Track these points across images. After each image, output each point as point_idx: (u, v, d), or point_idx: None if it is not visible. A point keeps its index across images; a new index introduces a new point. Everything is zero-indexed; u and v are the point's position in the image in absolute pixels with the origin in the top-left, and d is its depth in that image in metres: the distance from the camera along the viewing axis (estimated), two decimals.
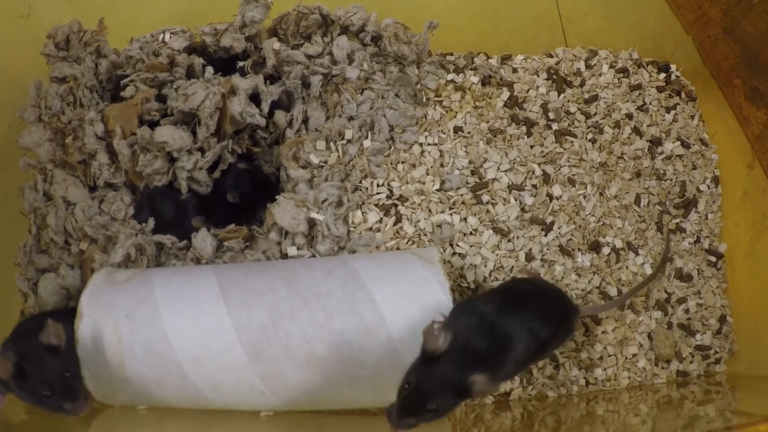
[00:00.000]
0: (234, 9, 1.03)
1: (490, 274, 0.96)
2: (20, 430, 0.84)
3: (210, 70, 1.00)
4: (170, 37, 1.04)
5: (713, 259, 1.05)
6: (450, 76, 1.09)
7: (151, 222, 0.94)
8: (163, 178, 0.97)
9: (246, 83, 0.97)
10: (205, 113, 0.93)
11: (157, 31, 1.05)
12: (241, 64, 1.02)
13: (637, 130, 1.09)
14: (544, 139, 1.05)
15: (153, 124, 0.97)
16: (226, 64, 1.04)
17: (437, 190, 0.99)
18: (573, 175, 1.04)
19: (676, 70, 1.17)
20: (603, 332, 0.97)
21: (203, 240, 0.92)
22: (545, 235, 0.99)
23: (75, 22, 1.01)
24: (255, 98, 0.99)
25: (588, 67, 1.14)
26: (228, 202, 0.97)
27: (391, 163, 1.00)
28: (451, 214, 0.98)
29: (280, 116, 1.00)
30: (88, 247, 0.92)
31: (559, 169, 1.04)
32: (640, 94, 1.13)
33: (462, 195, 0.99)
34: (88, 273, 0.89)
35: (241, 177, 0.99)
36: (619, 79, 1.14)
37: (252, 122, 0.97)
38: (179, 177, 0.96)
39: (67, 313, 0.82)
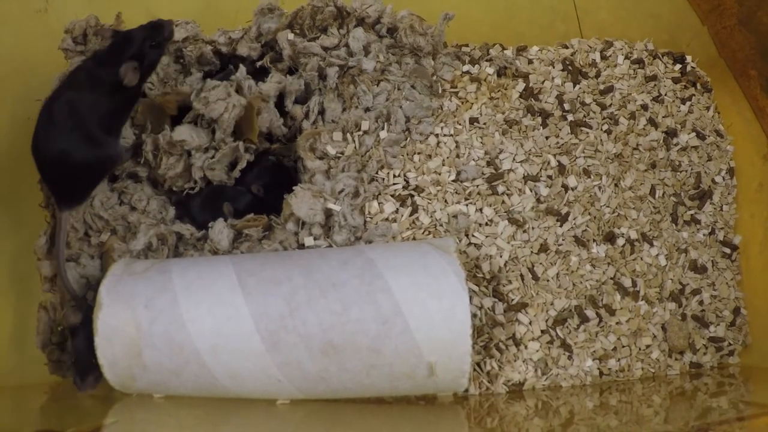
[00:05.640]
0: (250, 4, 1.04)
1: (505, 265, 0.96)
2: (40, 416, 0.86)
3: (243, 69, 0.99)
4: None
5: (728, 250, 1.05)
6: (465, 68, 1.09)
7: (172, 211, 0.96)
8: (186, 183, 0.98)
9: (273, 88, 0.98)
10: (224, 125, 0.95)
11: None
12: (259, 63, 1.03)
13: (652, 122, 1.09)
14: (560, 130, 1.05)
15: (176, 121, 0.98)
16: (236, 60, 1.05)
17: (453, 180, 0.99)
18: (588, 166, 1.04)
19: (692, 61, 1.16)
20: (617, 323, 0.97)
21: (219, 232, 0.93)
22: (560, 226, 0.99)
23: (92, 16, 1.01)
24: (279, 96, 1.00)
25: (603, 58, 1.14)
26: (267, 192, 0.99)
27: (407, 154, 1.01)
28: (467, 205, 0.98)
29: (297, 109, 1.00)
30: (108, 238, 0.93)
31: (575, 160, 1.04)
32: (655, 85, 1.13)
33: (477, 186, 0.99)
34: (109, 262, 0.90)
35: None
36: (634, 70, 1.13)
37: (277, 133, 0.99)
38: (193, 174, 0.97)
39: None
